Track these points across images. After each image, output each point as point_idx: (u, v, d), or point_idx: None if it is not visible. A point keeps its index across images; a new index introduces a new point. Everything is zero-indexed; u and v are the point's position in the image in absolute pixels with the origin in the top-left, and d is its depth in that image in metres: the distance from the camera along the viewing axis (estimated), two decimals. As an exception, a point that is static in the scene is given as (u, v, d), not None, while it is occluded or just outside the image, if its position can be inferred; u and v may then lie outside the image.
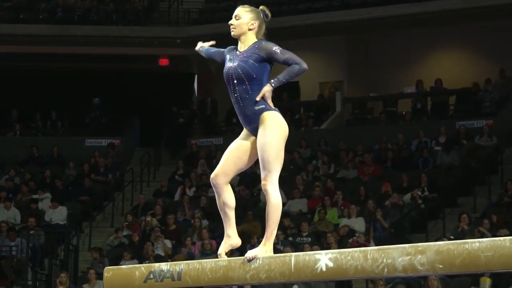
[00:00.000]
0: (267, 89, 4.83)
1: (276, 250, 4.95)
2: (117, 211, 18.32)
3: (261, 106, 4.87)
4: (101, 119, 21.24)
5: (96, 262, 15.11)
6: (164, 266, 5.09)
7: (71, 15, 21.76)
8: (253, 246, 14.21)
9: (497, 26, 19.95)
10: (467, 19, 19.58)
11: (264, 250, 4.75)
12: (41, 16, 21.70)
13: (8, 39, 20.66)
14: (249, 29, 4.97)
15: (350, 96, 21.28)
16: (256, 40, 4.97)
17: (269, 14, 5.04)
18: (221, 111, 21.48)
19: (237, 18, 4.97)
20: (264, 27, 5.02)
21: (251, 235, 14.53)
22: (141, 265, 5.44)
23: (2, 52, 21.05)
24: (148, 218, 16.56)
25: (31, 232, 16.21)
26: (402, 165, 17.46)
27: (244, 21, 4.98)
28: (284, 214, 16.11)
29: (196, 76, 23.31)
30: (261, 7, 5.04)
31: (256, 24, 4.98)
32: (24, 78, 22.06)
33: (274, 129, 4.83)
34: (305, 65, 4.81)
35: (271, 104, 4.86)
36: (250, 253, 4.72)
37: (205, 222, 16.15)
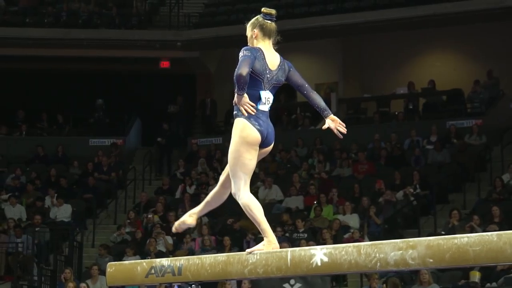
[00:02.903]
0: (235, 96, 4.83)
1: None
2: (120, 209, 18.32)
3: (234, 113, 4.93)
4: (105, 119, 21.23)
5: (101, 258, 15.11)
6: (165, 261, 5.10)
7: (75, 19, 21.75)
8: (249, 241, 14.23)
9: (485, 29, 19.97)
10: (456, 23, 19.58)
11: (262, 244, 4.78)
12: (46, 20, 21.68)
13: (15, 42, 20.64)
14: (255, 39, 5.00)
15: (345, 96, 21.30)
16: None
17: (270, 12, 5.03)
18: (221, 111, 21.50)
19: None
20: (267, 26, 5.00)
21: (248, 231, 14.55)
22: (142, 260, 5.45)
23: (8, 55, 21.03)
24: (150, 215, 16.56)
25: (37, 229, 16.20)
26: (395, 163, 17.47)
27: (248, 36, 5.05)
28: (283, 210, 16.14)
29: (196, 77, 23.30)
30: (262, 9, 5.06)
31: (255, 31, 5.00)
32: (30, 79, 22.05)
33: (233, 137, 4.88)
34: (238, 71, 4.68)
35: (243, 111, 4.81)
36: (252, 248, 4.78)
37: (205, 219, 16.15)
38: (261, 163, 15.41)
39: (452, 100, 19.84)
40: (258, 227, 4.83)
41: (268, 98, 4.92)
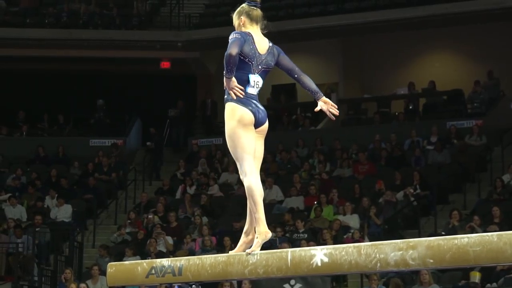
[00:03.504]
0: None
1: (273, 246, 4.95)
2: (120, 209, 18.32)
3: (224, 97, 4.96)
4: (105, 120, 21.23)
5: (101, 258, 15.10)
6: (165, 262, 5.09)
7: (76, 20, 21.76)
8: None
9: (485, 29, 19.98)
10: (456, 23, 19.60)
11: (256, 239, 4.79)
12: (47, 21, 21.70)
13: (16, 42, 20.66)
14: (243, 26, 5.04)
15: (345, 97, 21.30)
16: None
17: None
18: (221, 112, 21.44)
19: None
20: (253, 12, 5.06)
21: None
22: (143, 261, 5.44)
23: (9, 55, 21.04)
24: (150, 216, 16.55)
25: (37, 229, 16.19)
26: (395, 163, 17.46)
27: (236, 25, 5.09)
28: (286, 210, 16.13)
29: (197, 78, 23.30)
30: None
31: (242, 18, 5.05)
32: (30, 80, 22.05)
33: (227, 122, 4.93)
34: (227, 52, 4.74)
35: (232, 94, 4.84)
36: (251, 249, 4.77)
37: (205, 219, 16.16)
38: (261, 164, 15.33)
39: (453, 100, 19.84)
40: (253, 214, 4.84)
41: (258, 81, 4.96)
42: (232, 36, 4.84)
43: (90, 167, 19.05)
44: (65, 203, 17.24)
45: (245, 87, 4.88)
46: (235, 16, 5.10)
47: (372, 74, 21.41)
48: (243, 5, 5.09)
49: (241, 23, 5.04)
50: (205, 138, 20.73)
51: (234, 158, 4.94)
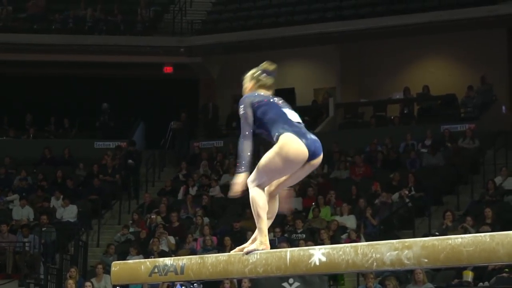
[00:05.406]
0: None
1: (272, 246, 4.94)
2: (124, 209, 18.31)
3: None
4: (110, 123, 21.23)
5: (106, 257, 15.10)
6: (168, 260, 5.09)
7: (81, 26, 21.77)
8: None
9: (479, 36, 19.97)
10: (451, 30, 19.61)
11: (255, 244, 4.75)
12: (53, 27, 21.71)
13: (23, 48, 20.67)
14: (249, 90, 4.99)
15: (343, 101, 21.30)
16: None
17: (270, 68, 5.01)
18: (222, 116, 21.51)
19: None
20: (264, 80, 4.99)
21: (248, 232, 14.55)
22: (146, 260, 5.44)
23: (17, 60, 21.05)
24: (153, 216, 16.55)
25: (44, 229, 16.20)
26: (391, 166, 17.46)
27: (246, 88, 5.03)
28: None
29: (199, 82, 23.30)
30: (263, 64, 5.04)
31: (250, 85, 5.00)
32: (38, 84, 22.03)
33: (278, 148, 4.78)
34: (240, 146, 4.77)
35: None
36: (247, 249, 4.75)
37: (206, 220, 16.15)
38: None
39: (446, 105, 19.84)
40: (257, 224, 4.77)
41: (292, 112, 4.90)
42: (242, 115, 4.83)
43: (95, 169, 19.04)
44: (71, 203, 17.24)
45: (285, 118, 4.81)
46: (248, 79, 5.02)
47: (369, 79, 21.40)
48: (258, 73, 5.00)
49: (249, 88, 4.99)
50: (207, 141, 20.72)
51: (258, 166, 4.78)
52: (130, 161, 19.49)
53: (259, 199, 4.74)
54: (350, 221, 15.33)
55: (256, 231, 4.80)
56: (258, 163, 4.77)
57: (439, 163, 17.26)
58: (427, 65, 21.32)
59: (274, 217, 4.97)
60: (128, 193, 18.77)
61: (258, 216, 4.75)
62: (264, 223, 4.76)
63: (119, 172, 19.15)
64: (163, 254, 14.18)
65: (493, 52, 20.03)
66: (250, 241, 4.87)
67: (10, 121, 21.33)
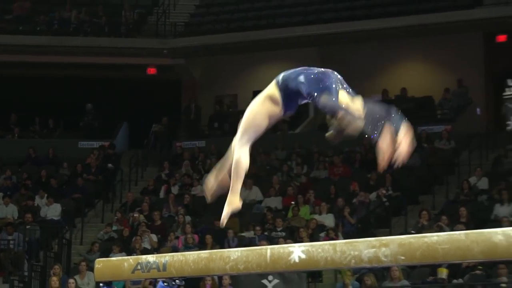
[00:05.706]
0: None
1: (252, 244, 4.95)
2: (107, 208, 18.25)
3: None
4: (94, 123, 21.15)
5: (89, 255, 15.05)
6: (150, 258, 5.08)
7: (66, 27, 21.67)
8: (230, 240, 14.17)
9: (455, 40, 20.08)
10: (429, 34, 19.71)
11: (225, 208, 4.69)
12: (39, 28, 21.60)
13: (9, 49, 20.56)
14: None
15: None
16: None
17: None
18: (204, 116, 21.48)
19: None
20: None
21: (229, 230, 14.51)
22: (129, 257, 5.43)
23: (2, 61, 20.93)
24: (136, 214, 16.50)
25: (28, 226, 16.11)
26: (369, 166, 17.49)
27: None
28: (265, 209, 16.12)
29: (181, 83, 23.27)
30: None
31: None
32: (23, 85, 21.91)
33: None
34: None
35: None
36: (222, 218, 4.70)
37: (188, 218, 16.13)
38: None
39: (424, 107, 19.93)
40: (234, 184, 4.65)
41: None
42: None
43: (78, 168, 18.96)
44: (55, 202, 17.17)
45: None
46: None
47: (348, 81, 21.33)
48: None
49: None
50: (189, 141, 20.69)
51: (242, 122, 4.73)
52: (109, 165, 19.39)
53: (242, 162, 4.64)
54: (328, 220, 15.37)
55: (230, 192, 4.69)
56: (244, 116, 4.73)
57: (415, 163, 17.32)
58: (405, 68, 21.41)
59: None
60: (107, 195, 18.66)
61: (236, 177, 4.63)
62: (240, 184, 4.66)
63: (102, 173, 19.07)
64: (145, 252, 14.15)
65: (469, 55, 20.14)
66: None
67: (-5, 121, 21.21)
